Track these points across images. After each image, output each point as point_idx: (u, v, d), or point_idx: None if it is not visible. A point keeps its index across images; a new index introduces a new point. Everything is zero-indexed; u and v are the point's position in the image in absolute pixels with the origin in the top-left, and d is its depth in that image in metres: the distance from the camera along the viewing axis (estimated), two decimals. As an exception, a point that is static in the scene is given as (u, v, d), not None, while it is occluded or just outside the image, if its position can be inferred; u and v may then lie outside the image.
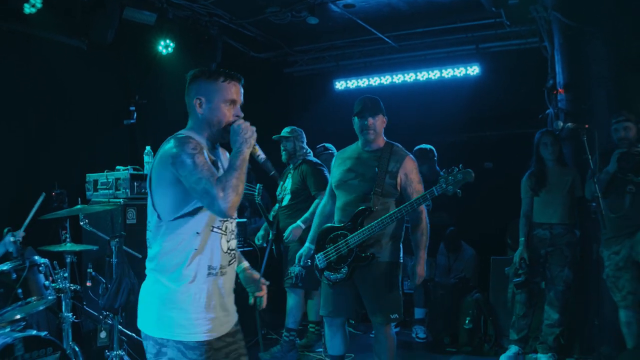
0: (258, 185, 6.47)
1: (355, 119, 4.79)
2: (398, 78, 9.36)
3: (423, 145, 7.42)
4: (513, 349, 6.14)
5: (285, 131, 6.61)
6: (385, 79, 9.46)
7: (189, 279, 2.87)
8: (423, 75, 9.19)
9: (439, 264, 8.10)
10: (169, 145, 2.86)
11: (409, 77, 9.28)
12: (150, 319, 2.91)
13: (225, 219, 2.97)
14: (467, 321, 6.79)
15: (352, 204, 4.67)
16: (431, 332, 7.21)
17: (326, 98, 9.93)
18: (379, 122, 4.75)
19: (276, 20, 8.06)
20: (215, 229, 2.94)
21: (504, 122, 8.82)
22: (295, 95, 10.35)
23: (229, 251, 3.02)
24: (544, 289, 6.16)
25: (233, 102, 3.01)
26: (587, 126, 5.51)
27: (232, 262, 3.06)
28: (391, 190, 4.65)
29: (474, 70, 8.85)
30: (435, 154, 7.42)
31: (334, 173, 4.88)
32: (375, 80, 9.55)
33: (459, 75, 8.95)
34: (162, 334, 2.86)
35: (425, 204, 4.59)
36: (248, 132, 2.92)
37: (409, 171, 4.71)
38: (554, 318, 6.00)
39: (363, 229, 4.53)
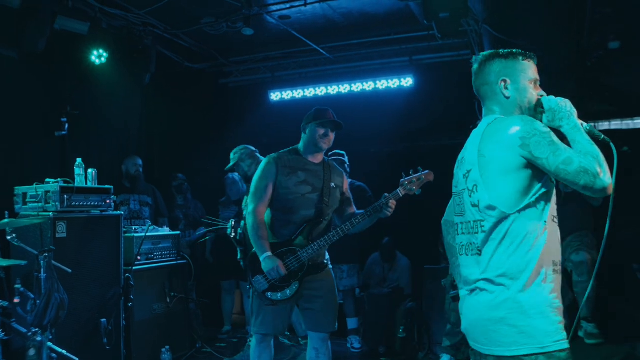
0: (230, 220, 6.41)
1: (314, 126, 4.61)
2: (333, 89, 9.40)
3: (337, 150, 7.26)
4: (445, 358, 6.23)
5: (231, 159, 6.44)
6: (320, 90, 9.49)
7: (541, 278, 2.55)
8: (357, 87, 9.24)
9: (373, 274, 8.16)
10: (510, 127, 2.61)
11: (344, 88, 9.33)
12: (509, 336, 2.53)
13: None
14: (401, 330, 6.87)
15: (307, 218, 4.56)
16: (366, 342, 7.25)
17: (261, 109, 9.92)
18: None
19: (211, 31, 8.03)
20: (555, 218, 2.68)
21: (438, 132, 8.95)
22: (230, 106, 10.30)
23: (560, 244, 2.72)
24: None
25: (536, 81, 2.84)
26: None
27: None
28: (336, 202, 4.70)
29: (407, 81, 8.94)
30: (346, 160, 7.28)
31: (284, 183, 4.57)
32: (310, 92, 9.57)
33: (393, 86, 9.03)
34: (530, 348, 2.49)
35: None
36: (568, 104, 2.73)
37: (347, 186, 4.83)
38: (486, 325, 6.10)
39: (319, 240, 4.48)
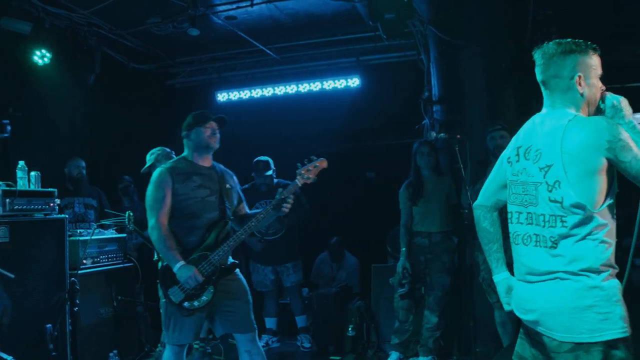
0: (127, 212, 6.35)
1: (199, 129, 4.61)
2: (280, 90, 9.42)
3: (261, 157, 7.30)
4: (394, 356, 6.29)
5: (147, 160, 6.40)
6: (267, 91, 9.50)
7: (616, 270, 2.72)
8: (304, 87, 9.27)
9: (322, 274, 8.21)
10: (597, 129, 2.66)
11: (291, 88, 9.35)
12: (593, 323, 2.64)
13: None
14: (350, 329, 6.91)
15: (211, 220, 4.55)
16: (316, 342, 7.28)
17: (208, 110, 9.74)
18: None
19: (157, 31, 7.97)
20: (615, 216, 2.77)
21: (384, 132, 9.05)
22: (177, 107, 10.20)
23: None
24: (424, 294, 6.35)
25: (600, 75, 2.87)
26: (458, 136, 5.72)
27: None
28: (233, 203, 4.74)
29: (354, 82, 9.02)
30: (272, 166, 7.29)
31: (182, 190, 4.51)
32: (257, 92, 9.57)
33: (339, 87, 9.10)
34: (612, 334, 2.62)
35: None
36: (627, 103, 2.81)
37: (238, 186, 4.89)
38: (433, 322, 6.19)
39: (228, 242, 4.47)
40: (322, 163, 4.65)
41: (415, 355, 6.34)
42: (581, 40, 2.85)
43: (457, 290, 6.33)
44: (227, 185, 4.69)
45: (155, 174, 4.62)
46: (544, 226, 2.78)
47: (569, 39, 2.86)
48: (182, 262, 4.34)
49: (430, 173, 6.33)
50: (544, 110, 2.93)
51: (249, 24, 8.16)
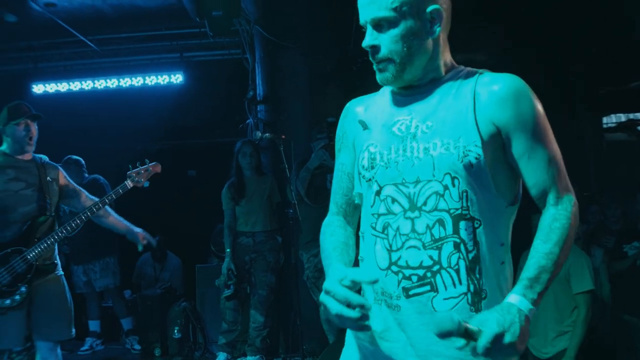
0: None
1: (12, 126, 4.35)
2: (100, 84, 9.02)
3: (72, 156, 7.09)
4: (222, 356, 6.24)
5: None
6: (87, 84, 9.06)
7: None
8: (126, 82, 8.95)
9: (144, 275, 8.00)
10: None
11: (112, 83, 8.99)
12: None
13: None
14: (175, 331, 6.77)
15: (28, 215, 4.30)
16: (141, 345, 7.05)
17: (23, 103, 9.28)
18: None
19: (-30, 16, 7.40)
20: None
21: (208, 130, 8.99)
22: (-13, 98, 9.54)
23: None
24: (250, 294, 6.35)
25: None
26: (283, 137, 5.78)
27: None
28: (55, 195, 4.50)
29: (177, 78, 8.84)
30: (84, 163, 7.13)
31: None
32: (76, 85, 9.10)
33: (162, 83, 8.88)
34: None
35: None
36: None
37: (65, 179, 4.67)
38: (260, 321, 6.20)
39: (46, 238, 4.23)
40: (156, 167, 4.60)
41: (243, 355, 6.32)
42: None
43: (283, 288, 6.40)
44: (49, 178, 4.44)
45: None
46: None
47: None
48: None
49: (251, 173, 6.34)
50: None
51: (70, 12, 7.77)
